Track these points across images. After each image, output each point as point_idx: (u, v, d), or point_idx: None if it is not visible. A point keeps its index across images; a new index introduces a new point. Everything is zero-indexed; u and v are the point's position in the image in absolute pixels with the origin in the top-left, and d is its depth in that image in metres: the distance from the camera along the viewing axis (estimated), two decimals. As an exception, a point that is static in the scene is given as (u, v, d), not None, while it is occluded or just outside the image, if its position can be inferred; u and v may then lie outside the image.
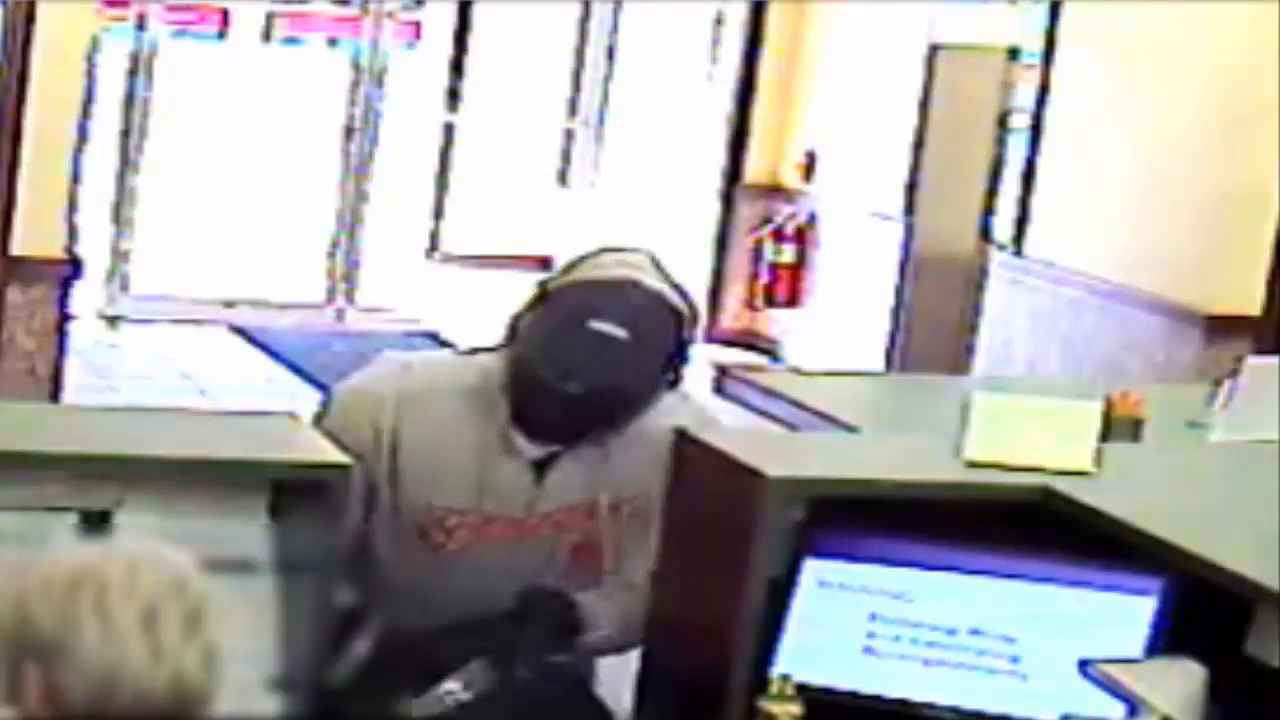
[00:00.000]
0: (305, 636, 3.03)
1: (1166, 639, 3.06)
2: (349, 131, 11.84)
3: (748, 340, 11.91)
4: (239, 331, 11.23)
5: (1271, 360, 5.31)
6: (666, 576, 3.32)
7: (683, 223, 11.93)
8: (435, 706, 3.24)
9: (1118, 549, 3.12)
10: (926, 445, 3.47)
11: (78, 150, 8.15)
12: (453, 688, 3.25)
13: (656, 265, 3.46)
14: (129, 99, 11.19)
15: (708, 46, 12.23)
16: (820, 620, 3.19)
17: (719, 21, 12.14)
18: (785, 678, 3.08)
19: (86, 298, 9.62)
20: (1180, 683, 2.89)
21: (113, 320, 10.96)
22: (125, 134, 11.18)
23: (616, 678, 3.55)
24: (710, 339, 11.19)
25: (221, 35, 11.73)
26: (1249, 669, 2.99)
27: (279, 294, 11.76)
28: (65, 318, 8.17)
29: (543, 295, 3.42)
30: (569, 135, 13.00)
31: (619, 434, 3.42)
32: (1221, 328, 8.88)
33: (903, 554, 3.20)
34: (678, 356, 3.42)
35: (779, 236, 11.82)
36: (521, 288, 3.51)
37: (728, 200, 12.13)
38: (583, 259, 3.46)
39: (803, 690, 3.08)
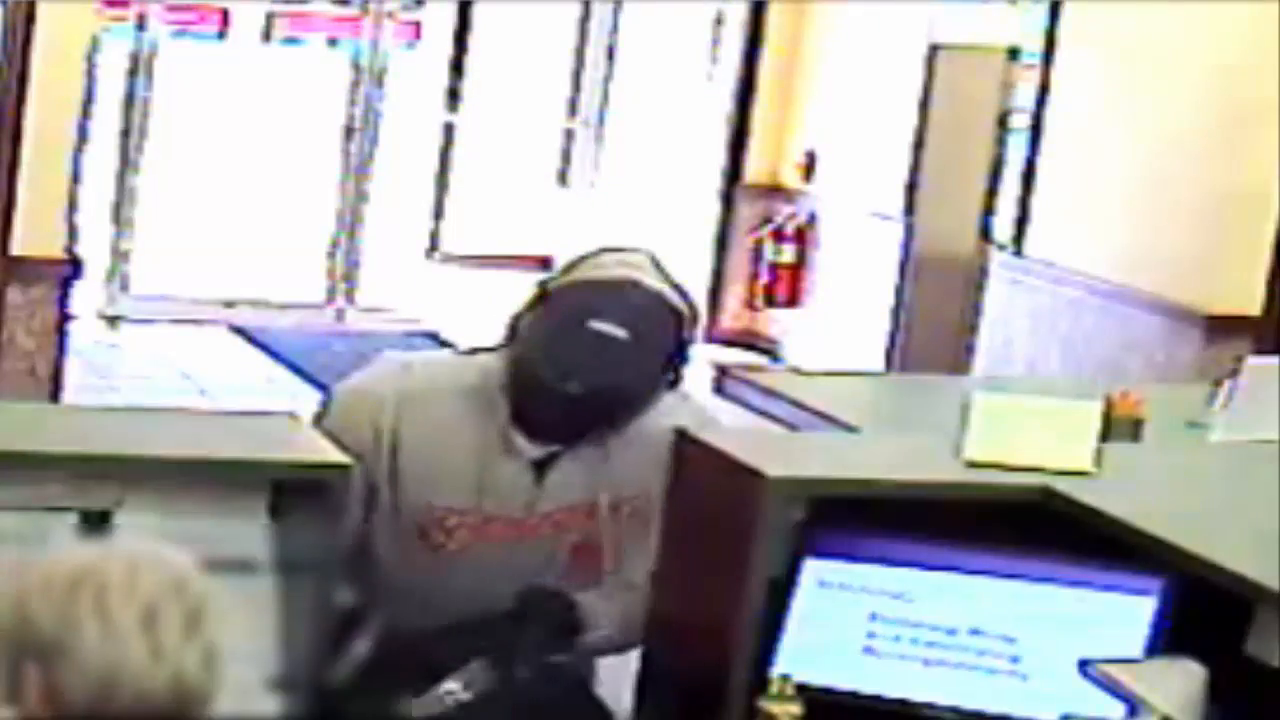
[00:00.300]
0: (305, 636, 3.03)
1: (1166, 639, 3.06)
2: (349, 131, 11.83)
3: (748, 340, 11.90)
4: (239, 331, 11.23)
5: (1271, 360, 5.31)
6: (666, 576, 3.32)
7: (683, 223, 11.93)
8: (435, 706, 3.24)
9: (1118, 549, 3.11)
10: (926, 445, 3.46)
11: (78, 150, 8.14)
12: (453, 688, 3.25)
13: (656, 265, 3.45)
14: (129, 99, 11.18)
15: (708, 46, 12.22)
16: (820, 620, 3.19)
17: (719, 21, 12.13)
18: (785, 678, 3.08)
19: (86, 298, 9.61)
20: (1180, 683, 2.89)
21: (113, 320, 10.95)
22: (125, 134, 11.18)
23: (616, 678, 3.54)
24: (710, 339, 11.19)
25: (221, 35, 11.72)
26: (1249, 669, 2.99)
27: (279, 294, 11.75)
28: (65, 318, 8.16)
29: (543, 295, 3.42)
30: (569, 135, 12.99)
31: (619, 434, 3.42)
32: (1221, 328, 8.87)
33: (903, 554, 3.20)
34: (678, 356, 3.41)
35: (779, 236, 11.81)
36: (521, 288, 3.51)
37: (728, 200, 12.13)
38: (583, 259, 3.46)
39: (803, 690, 3.07)
